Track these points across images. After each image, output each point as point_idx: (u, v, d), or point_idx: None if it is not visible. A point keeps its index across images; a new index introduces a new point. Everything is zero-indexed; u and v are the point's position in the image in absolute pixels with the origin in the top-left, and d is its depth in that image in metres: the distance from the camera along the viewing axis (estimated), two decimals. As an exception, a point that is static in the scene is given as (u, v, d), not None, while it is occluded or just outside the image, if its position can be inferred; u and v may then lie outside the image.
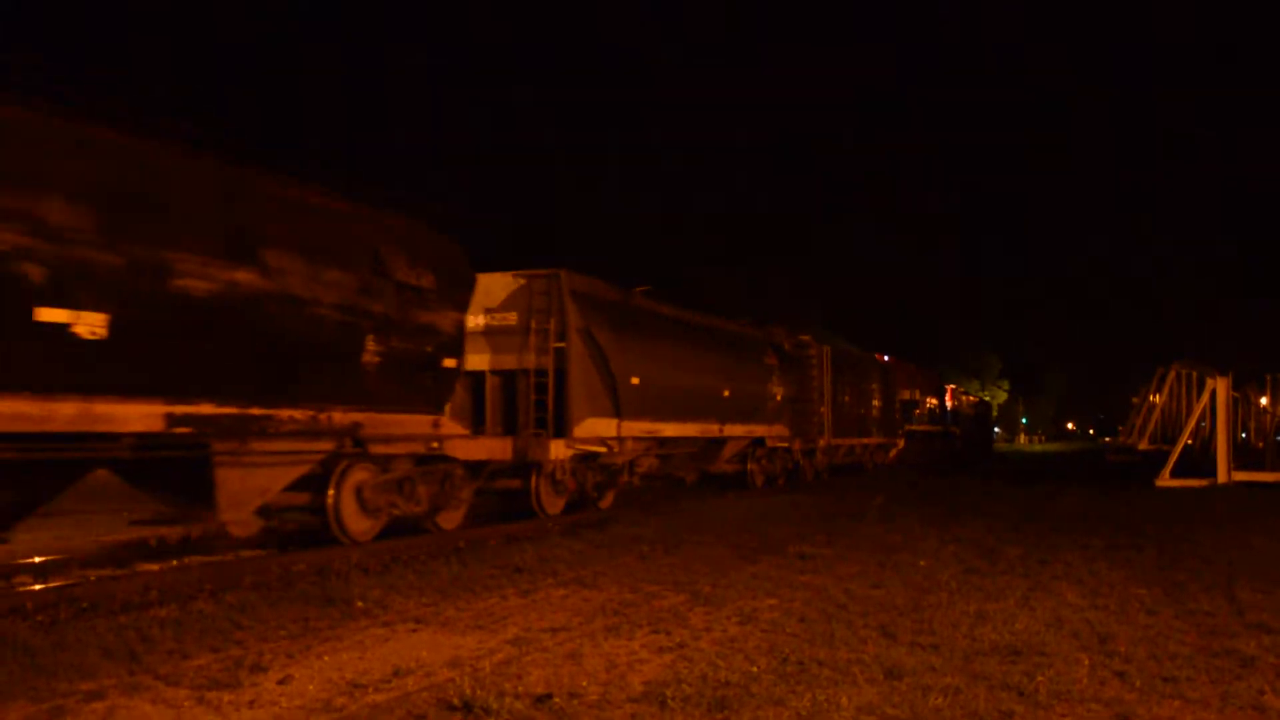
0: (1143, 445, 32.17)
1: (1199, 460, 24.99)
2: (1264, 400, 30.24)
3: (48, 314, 7.09)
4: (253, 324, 8.76)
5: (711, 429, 17.86)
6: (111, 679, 5.34)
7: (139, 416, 7.73)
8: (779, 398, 21.41)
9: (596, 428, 14.05)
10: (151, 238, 7.84)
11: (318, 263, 9.43)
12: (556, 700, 4.93)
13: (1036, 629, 6.49)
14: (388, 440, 10.59)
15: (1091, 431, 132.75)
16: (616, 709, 4.84)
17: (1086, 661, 5.67)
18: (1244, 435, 30.62)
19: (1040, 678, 5.27)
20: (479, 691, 4.98)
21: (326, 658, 5.86)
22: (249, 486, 8.99)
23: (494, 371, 13.95)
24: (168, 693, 5.13)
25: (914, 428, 34.66)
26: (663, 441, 16.30)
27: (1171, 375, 30.92)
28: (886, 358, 32.48)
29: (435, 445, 11.32)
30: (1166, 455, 24.07)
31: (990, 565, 9.44)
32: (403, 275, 10.50)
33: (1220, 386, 23.36)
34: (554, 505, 14.05)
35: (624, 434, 14.70)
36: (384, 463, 10.79)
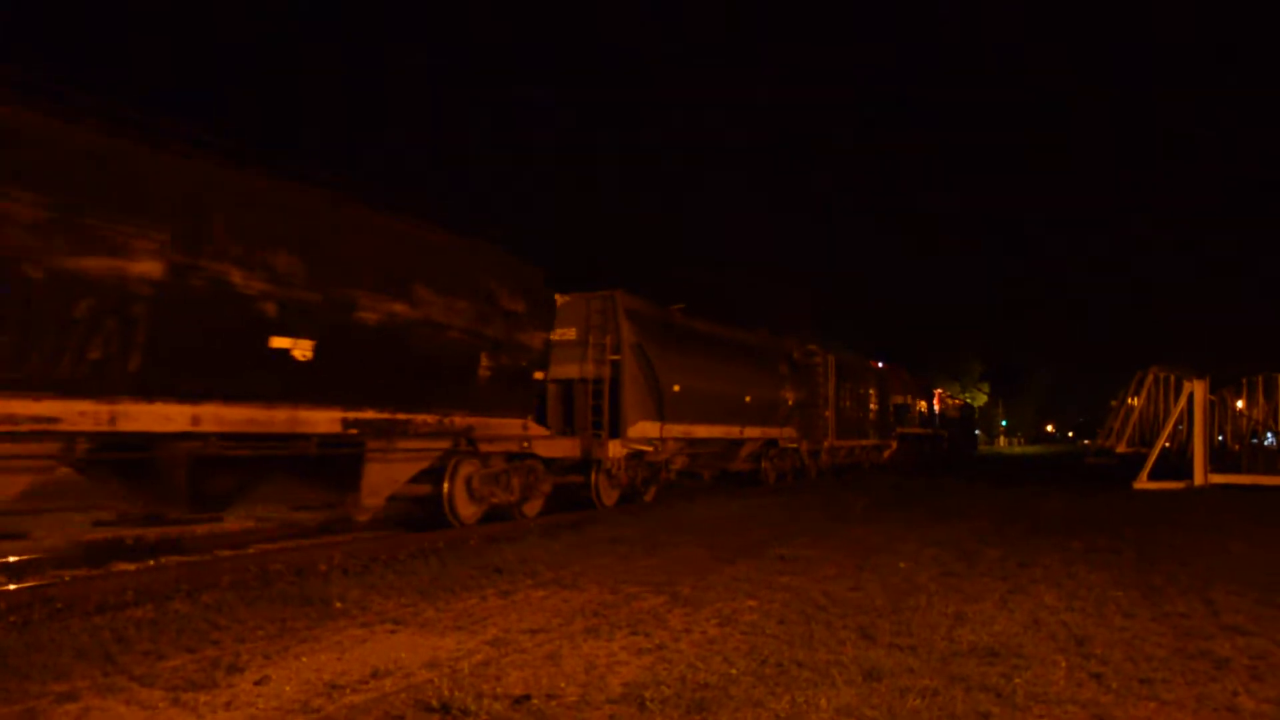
0: (1121, 448, 32.27)
1: (1176, 463, 25.15)
2: (1240, 403, 30.46)
3: (277, 341, 9.09)
4: (404, 345, 10.71)
5: (734, 431, 19.98)
6: (85, 680, 5.29)
7: (325, 420, 9.70)
8: (790, 402, 23.44)
9: (645, 430, 16.18)
10: (341, 280, 9.82)
11: (448, 294, 11.39)
12: (535, 701, 4.92)
13: (1014, 631, 6.52)
14: (491, 440, 12.60)
15: (1071, 434, 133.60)
16: (595, 710, 4.83)
17: (1064, 663, 5.70)
18: (1221, 438, 30.84)
19: (1018, 679, 5.29)
20: (457, 693, 4.96)
21: (304, 658, 5.83)
22: (386, 478, 10.84)
23: (554, 380, 15.54)
24: (143, 694, 5.09)
25: (905, 430, 36.39)
26: (694, 442, 18.36)
27: (1150, 378, 31.06)
28: (881, 364, 34.18)
29: (525, 444, 13.38)
30: (1144, 458, 24.22)
31: (969, 567, 9.47)
32: (505, 302, 12.50)
33: (1198, 390, 23.55)
34: (609, 497, 16.13)
35: (665, 435, 16.83)
36: (486, 459, 12.80)
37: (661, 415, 16.61)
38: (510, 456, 13.32)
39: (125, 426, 7.79)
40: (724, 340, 20.52)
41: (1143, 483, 22.73)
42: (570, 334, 15.62)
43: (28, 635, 6.20)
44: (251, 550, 10.58)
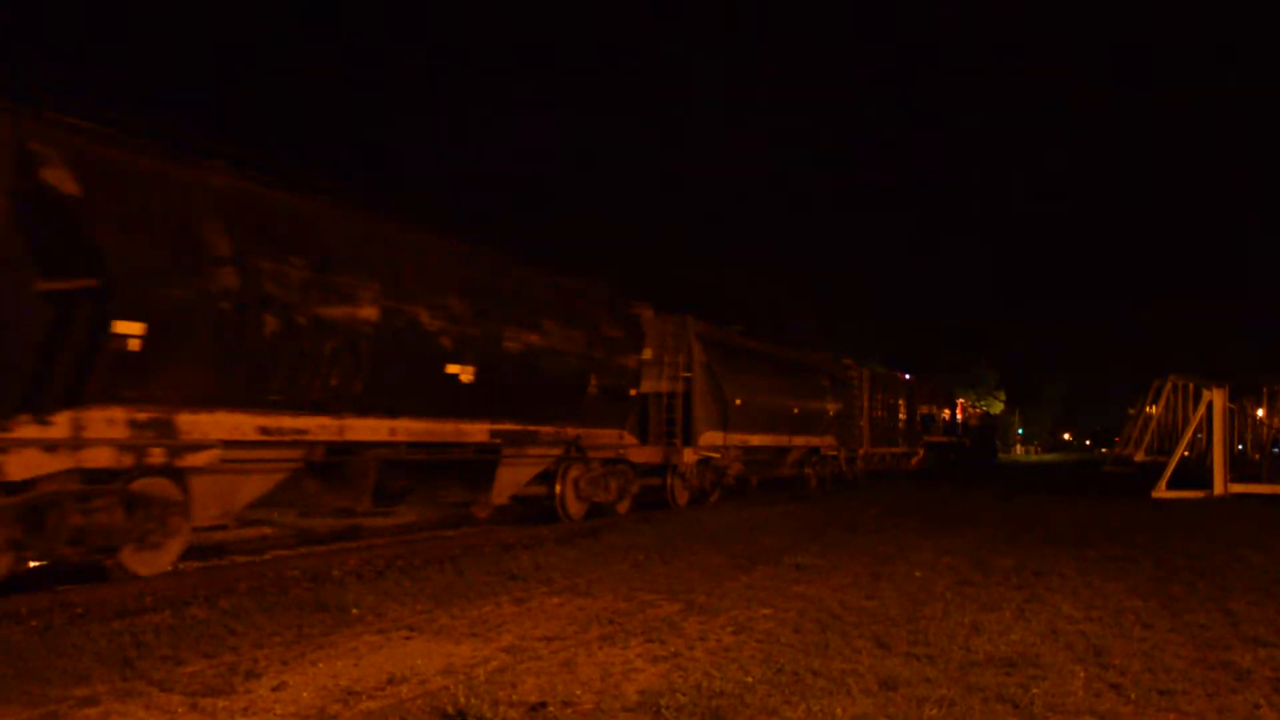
0: (1139, 456, 32.11)
1: (1195, 472, 24.98)
2: (1260, 412, 30.25)
3: (450, 368, 11.34)
4: (535, 369, 12.97)
5: (783, 440, 22.32)
6: (105, 684, 5.32)
7: (478, 431, 12.00)
8: (831, 413, 25.76)
9: (711, 438, 18.28)
10: (494, 317, 12.16)
11: (567, 326, 13.75)
12: (551, 709, 4.92)
13: (1032, 641, 6.49)
14: (595, 448, 14.93)
15: (1088, 443, 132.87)
16: (611, 718, 4.84)
17: (1082, 674, 5.67)
18: (1240, 447, 30.61)
19: (1035, 690, 5.27)
20: (473, 700, 4.97)
21: (321, 664, 5.85)
22: (513, 479, 13.25)
23: None
24: (161, 699, 5.11)
25: (931, 439, 38.53)
26: (750, 450, 20.45)
27: (1168, 386, 30.85)
28: (908, 376, 37.22)
29: (620, 451, 15.69)
30: (1163, 467, 24.07)
31: (985, 576, 9.43)
32: (607, 330, 14.97)
33: (1217, 398, 23.40)
34: (682, 498, 18.11)
35: (728, 443, 18.97)
36: (589, 464, 14.94)
37: (725, 426, 18.75)
38: (606, 462, 15.47)
39: (349, 437, 10.04)
40: (776, 358, 22.91)
41: (1161, 492, 22.58)
42: (647, 354, 16.91)
43: (48, 640, 6.24)
44: (268, 556, 10.62)
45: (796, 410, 23.14)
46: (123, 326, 7.77)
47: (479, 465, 12.48)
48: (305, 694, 5.23)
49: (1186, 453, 25.10)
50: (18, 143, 7.38)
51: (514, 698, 5.10)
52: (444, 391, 11.33)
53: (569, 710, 4.93)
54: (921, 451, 36.48)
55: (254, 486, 9.44)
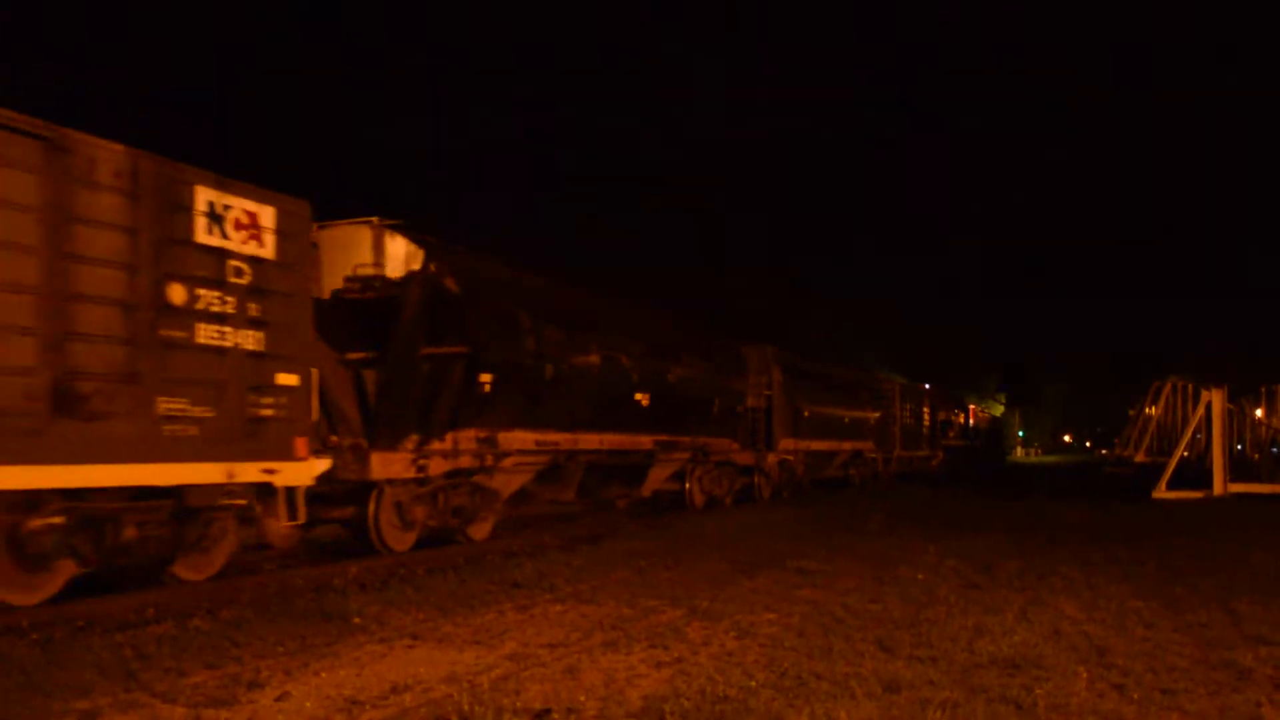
0: (1139, 457, 32.15)
1: (1195, 472, 24.99)
2: (1259, 412, 30.27)
3: (637, 395, 15.46)
4: (680, 393, 17.05)
5: (835, 445, 26.69)
6: (107, 697, 5.32)
7: (646, 441, 16.12)
8: (871, 421, 30.08)
9: (788, 444, 22.81)
10: (660, 356, 16.55)
11: (702, 360, 18.41)
12: (555, 715, 4.92)
13: (1035, 642, 6.49)
14: (714, 453, 19.19)
15: (1089, 444, 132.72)
16: (615, 724, 4.83)
17: (1085, 674, 5.67)
18: (1240, 447, 30.62)
19: (1039, 691, 5.27)
20: (477, 707, 4.97)
21: (324, 674, 5.84)
22: (657, 477, 17.49)
23: None
24: (164, 710, 5.11)
25: (949, 443, 42.68)
26: (812, 454, 24.69)
27: (1167, 388, 30.92)
28: (928, 385, 41.62)
29: (730, 455, 19.96)
30: (1163, 467, 24.07)
31: (988, 579, 9.43)
32: (723, 362, 19.73)
33: (1216, 399, 23.40)
34: (765, 492, 22.18)
35: (798, 448, 23.58)
36: (709, 466, 19.21)
37: (796, 434, 23.26)
38: (719, 464, 19.65)
39: (579, 446, 14.09)
40: (831, 374, 27.77)
41: (1161, 492, 22.58)
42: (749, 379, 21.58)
43: (50, 653, 6.24)
44: (269, 566, 10.61)
45: (847, 420, 27.64)
46: (483, 376, 11.75)
47: (639, 466, 16.67)
48: (308, 704, 5.23)
49: (1186, 453, 25.12)
50: (426, 264, 11.43)
51: (518, 705, 5.10)
52: (631, 412, 15.46)
53: (573, 717, 4.93)
54: (941, 454, 40.21)
55: (517, 481, 13.38)
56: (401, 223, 11.63)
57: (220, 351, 8.47)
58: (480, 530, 12.78)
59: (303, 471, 9.24)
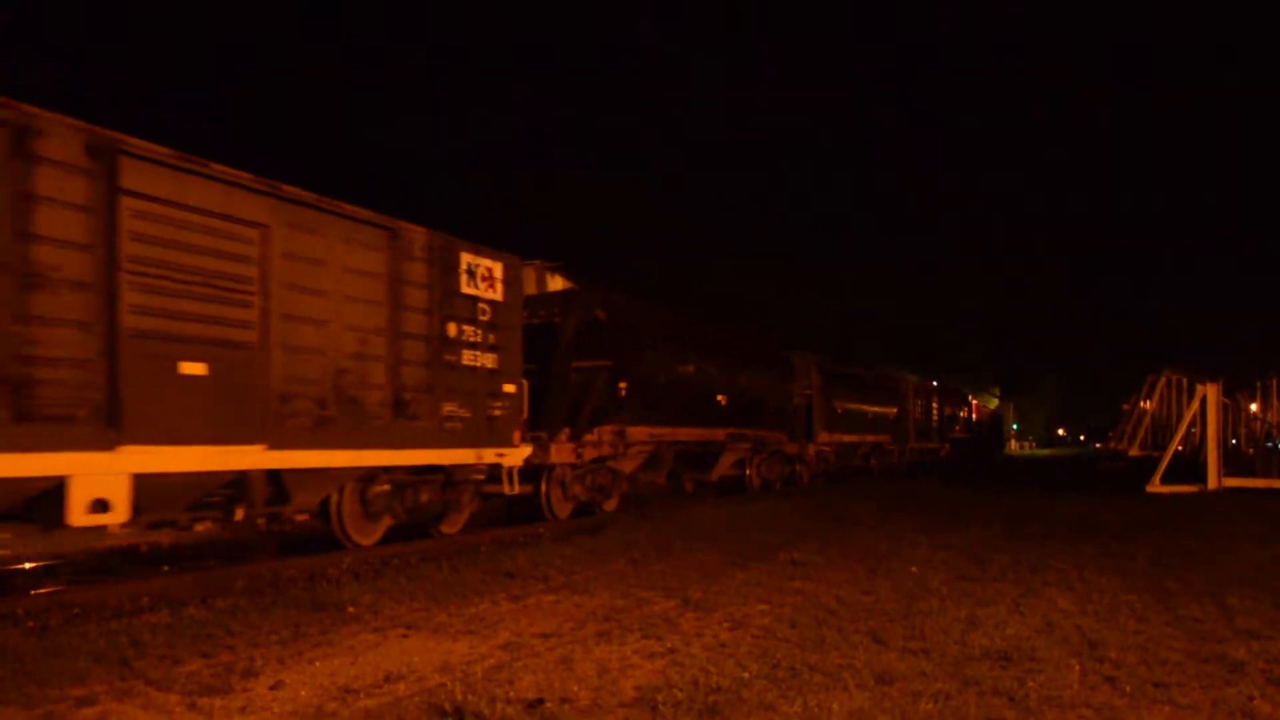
0: (1133, 451, 32.26)
1: (1190, 466, 25.07)
2: (1254, 407, 30.34)
3: (719, 397, 19.19)
4: (748, 393, 20.90)
5: (859, 437, 30.28)
6: (103, 685, 5.33)
7: (720, 434, 19.57)
8: (890, 416, 33.66)
9: (824, 437, 26.79)
10: (735, 365, 20.33)
11: (763, 367, 22.31)
12: (548, 705, 4.94)
13: (1027, 635, 6.51)
14: (770, 444, 22.88)
15: (1083, 438, 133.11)
16: (608, 714, 4.85)
17: (1077, 667, 5.70)
18: (1234, 441, 30.71)
19: (1031, 683, 5.29)
20: (470, 697, 4.98)
21: (318, 663, 5.86)
22: (724, 464, 20.75)
23: None
24: (159, 698, 5.12)
25: (955, 436, 45.75)
26: (843, 445, 28.63)
27: (1162, 382, 31.01)
28: (935, 383, 44.51)
29: (781, 447, 23.62)
30: (1157, 461, 24.14)
31: (981, 571, 9.46)
32: (777, 367, 23.53)
33: (1211, 393, 23.44)
34: (806, 477, 25.57)
35: (832, 440, 27.47)
36: (764, 455, 22.89)
37: (830, 428, 27.16)
38: (772, 453, 23.31)
39: (678, 438, 17.59)
40: (858, 375, 31.35)
41: (1156, 486, 22.64)
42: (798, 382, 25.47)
43: (46, 640, 6.25)
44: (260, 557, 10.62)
45: (870, 415, 31.28)
46: (621, 384, 15.52)
47: (713, 455, 20.06)
48: (303, 692, 5.24)
49: (1180, 447, 25.17)
50: (584, 301, 15.37)
51: (511, 694, 5.11)
52: (712, 410, 19.21)
53: (566, 707, 4.94)
54: (948, 446, 43.54)
55: (633, 466, 16.63)
56: (560, 264, 15.80)
57: (474, 370, 11.89)
58: (610, 504, 16.27)
59: (518, 455, 12.70)
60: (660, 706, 4.89)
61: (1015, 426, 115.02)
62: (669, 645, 6.32)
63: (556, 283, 15.51)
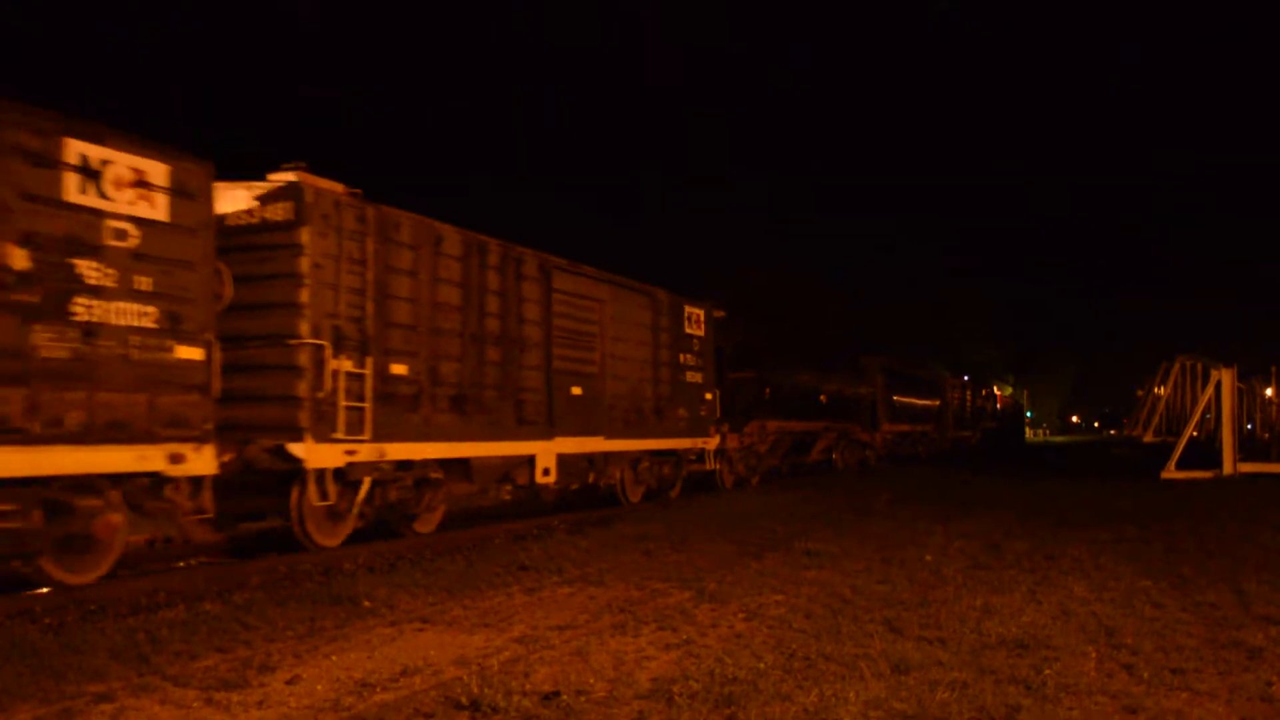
0: (1148, 437, 32.12)
1: (1204, 452, 24.94)
2: (1269, 392, 30.20)
3: (821, 397, 25.91)
4: (837, 393, 26.96)
5: (912, 427, 35.61)
6: (120, 680, 5.35)
7: (819, 425, 25.57)
8: (935, 408, 39.41)
9: (886, 427, 32.07)
10: (829, 372, 26.79)
11: (844, 369, 28.54)
12: (564, 698, 4.94)
13: (1043, 622, 6.49)
14: (850, 433, 28.20)
15: (1097, 424, 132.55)
16: (624, 706, 4.85)
17: (1094, 654, 5.68)
18: (1249, 426, 30.56)
19: (1048, 671, 5.27)
20: (486, 690, 4.99)
21: (334, 657, 5.87)
22: (818, 449, 26.10)
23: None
24: (176, 693, 5.14)
25: (985, 424, 51.97)
26: (899, 434, 33.92)
27: (1176, 367, 30.84)
28: (966, 377, 49.51)
29: (859, 435, 29.13)
30: (1171, 447, 24.03)
31: (997, 559, 9.44)
32: (853, 368, 29.61)
33: (1225, 378, 23.32)
34: (874, 460, 30.51)
35: (892, 430, 32.89)
36: (845, 442, 27.85)
37: (891, 419, 32.69)
38: (851, 440, 28.44)
39: (790, 429, 23.01)
40: (912, 374, 36.67)
41: (1170, 472, 22.54)
42: (844, 377, 29.14)
43: (63, 637, 6.27)
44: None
45: (920, 407, 36.85)
46: (767, 391, 21.63)
47: (810, 442, 25.24)
48: (319, 686, 5.25)
49: (1195, 433, 25.05)
50: (738, 330, 20.79)
51: (527, 687, 5.12)
52: (814, 408, 25.10)
53: (582, 699, 4.95)
54: (980, 434, 49.08)
55: (764, 449, 21.64)
56: (709, 302, 18.43)
57: (692, 385, 17.43)
58: (754, 478, 21.20)
59: (714, 442, 18.23)
60: (676, 698, 4.89)
61: (1030, 414, 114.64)
62: (684, 636, 6.32)
63: (717, 314, 18.89)
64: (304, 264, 9.56)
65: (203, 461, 8.40)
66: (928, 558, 9.52)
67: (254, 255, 9.60)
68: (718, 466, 18.78)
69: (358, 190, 10.30)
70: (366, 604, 7.38)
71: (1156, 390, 32.98)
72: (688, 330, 17.27)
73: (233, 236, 9.51)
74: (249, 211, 9.77)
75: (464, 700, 4.89)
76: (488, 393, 12.04)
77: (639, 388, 15.56)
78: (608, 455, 14.79)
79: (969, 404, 46.56)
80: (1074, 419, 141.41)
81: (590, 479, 14.64)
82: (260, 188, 9.82)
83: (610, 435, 14.61)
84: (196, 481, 8.45)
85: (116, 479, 7.93)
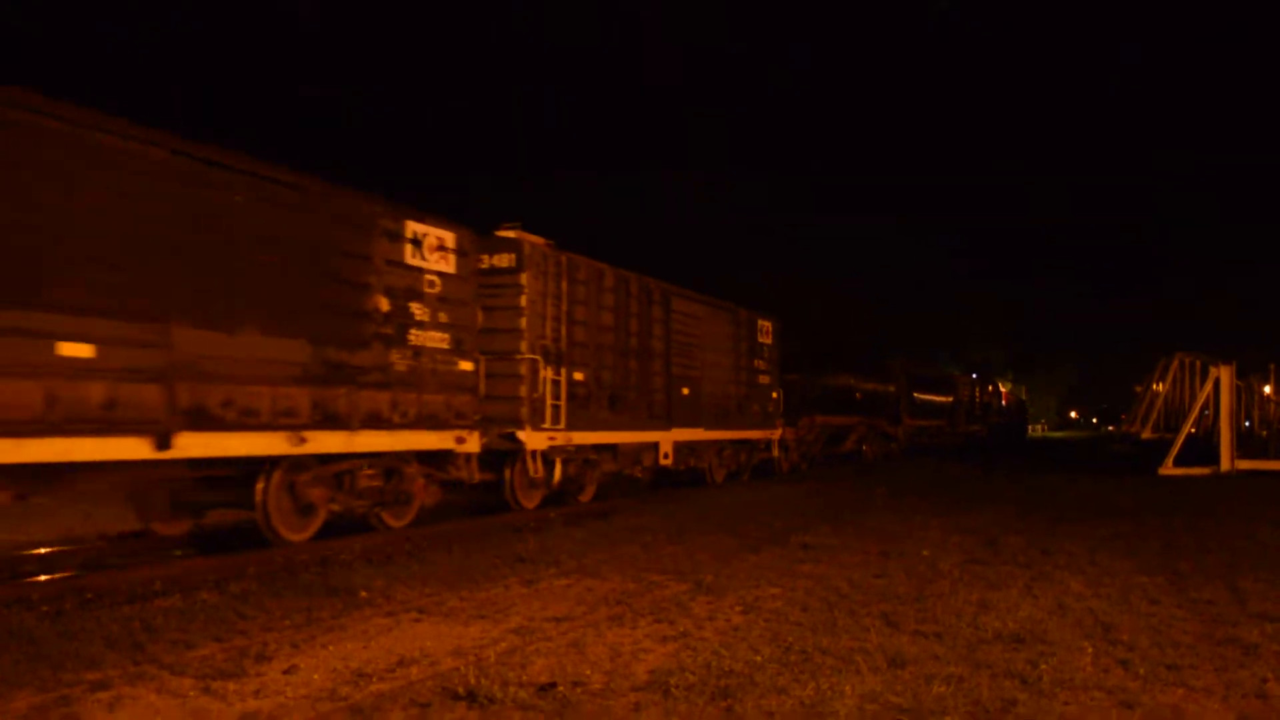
0: (1146, 434, 32.12)
1: (1202, 449, 24.96)
2: (1268, 389, 30.20)
3: (856, 395, 30.07)
4: (868, 391, 30.96)
5: (928, 422, 38.58)
6: (117, 669, 5.35)
7: (853, 420, 29.45)
8: (948, 404, 42.50)
9: (908, 421, 35.18)
10: (863, 371, 30.95)
11: (875, 371, 32.21)
12: (560, 689, 4.94)
13: (1040, 617, 6.50)
14: (877, 426, 31.90)
15: (1095, 420, 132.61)
16: (620, 698, 4.85)
17: (1090, 649, 5.68)
18: (1247, 424, 30.57)
19: (1044, 666, 5.28)
20: (483, 680, 4.99)
21: (331, 647, 5.87)
22: (852, 439, 29.53)
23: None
24: (173, 682, 5.14)
25: (991, 419, 54.29)
26: (918, 428, 36.87)
27: (1175, 364, 30.85)
28: (975, 375, 53.44)
29: (885, 429, 32.62)
30: (1170, 444, 24.05)
31: (994, 554, 9.45)
32: (882, 369, 33.09)
33: (1224, 375, 23.33)
34: (898, 451, 33.85)
35: (913, 424, 36.08)
36: (873, 433, 31.59)
37: (912, 415, 35.82)
38: (878, 434, 31.69)
39: (834, 423, 27.65)
40: (929, 374, 40.71)
41: (1168, 469, 22.56)
42: (875, 376, 32.37)
43: (60, 625, 6.28)
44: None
45: (937, 403, 40.31)
46: (816, 390, 25.93)
47: (844, 434, 28.57)
48: (316, 676, 5.26)
49: (1193, 430, 25.06)
50: (790, 336, 23.58)
51: (524, 678, 5.12)
52: (850, 405, 28.75)
53: (579, 690, 4.95)
54: (987, 429, 51.80)
55: (811, 440, 25.33)
56: (774, 316, 21.85)
57: (763, 385, 21.13)
58: (804, 465, 24.83)
59: (780, 434, 22.12)
60: (673, 690, 4.89)
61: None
62: (681, 629, 6.33)
63: (769, 323, 21.58)
64: (523, 299, 13.02)
65: (473, 442, 11.87)
66: (925, 552, 9.53)
67: (488, 292, 12.71)
68: (778, 454, 22.42)
69: (552, 241, 13.75)
70: (363, 595, 7.38)
71: (1155, 387, 32.99)
72: (760, 340, 21.13)
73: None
74: (481, 259, 12.54)
75: (461, 691, 4.89)
76: (630, 394, 15.60)
77: (725, 388, 19.26)
78: (705, 443, 18.45)
79: (978, 400, 49.96)
80: (1072, 415, 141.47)
81: (690, 462, 18.02)
82: (490, 243, 13.03)
83: (707, 427, 18.27)
84: (468, 457, 11.92)
85: (422, 455, 11.30)
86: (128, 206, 7.84)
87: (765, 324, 21.37)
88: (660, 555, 9.48)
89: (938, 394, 40.49)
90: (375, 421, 10.27)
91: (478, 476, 12.23)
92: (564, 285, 13.80)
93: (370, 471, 10.68)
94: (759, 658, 5.49)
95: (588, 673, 5.27)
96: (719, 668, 5.26)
